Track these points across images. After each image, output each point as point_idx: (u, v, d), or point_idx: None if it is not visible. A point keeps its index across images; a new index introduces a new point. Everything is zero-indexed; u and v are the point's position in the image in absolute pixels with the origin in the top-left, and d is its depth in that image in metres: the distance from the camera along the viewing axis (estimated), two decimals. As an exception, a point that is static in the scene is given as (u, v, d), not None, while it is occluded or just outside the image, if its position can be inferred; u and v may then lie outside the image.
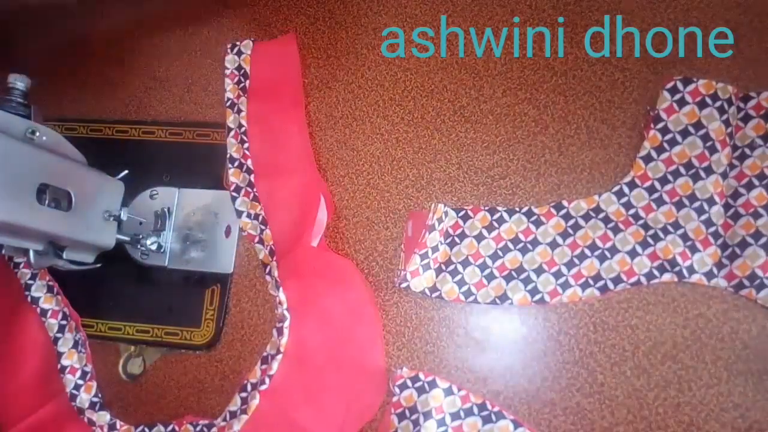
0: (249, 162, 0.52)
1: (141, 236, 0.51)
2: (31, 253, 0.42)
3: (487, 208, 0.48)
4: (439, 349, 0.47)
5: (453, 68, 0.52)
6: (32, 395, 0.49)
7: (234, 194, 0.52)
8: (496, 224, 0.48)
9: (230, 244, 0.52)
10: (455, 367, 0.47)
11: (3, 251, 0.41)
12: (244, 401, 0.47)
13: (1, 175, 0.38)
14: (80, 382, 0.50)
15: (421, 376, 0.45)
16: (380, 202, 0.51)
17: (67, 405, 0.49)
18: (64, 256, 0.44)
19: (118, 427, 0.49)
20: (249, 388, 0.47)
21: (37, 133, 0.43)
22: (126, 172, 0.52)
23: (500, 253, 0.47)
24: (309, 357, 0.47)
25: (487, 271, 0.47)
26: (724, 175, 0.44)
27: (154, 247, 0.51)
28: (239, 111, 0.53)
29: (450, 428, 0.44)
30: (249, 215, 0.52)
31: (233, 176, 0.52)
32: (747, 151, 0.45)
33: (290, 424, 0.45)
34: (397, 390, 0.45)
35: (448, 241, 0.48)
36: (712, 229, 0.44)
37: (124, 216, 0.49)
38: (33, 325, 0.51)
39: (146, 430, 0.48)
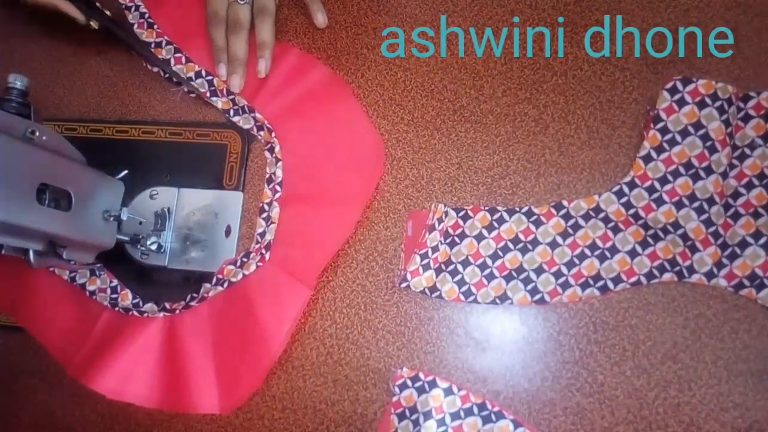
0: (165, 38, 0.54)
1: (141, 236, 0.51)
2: (31, 253, 0.42)
3: (487, 208, 0.48)
4: (439, 349, 0.47)
5: (453, 68, 0.52)
6: (78, 330, 0.51)
7: (165, 67, 0.54)
8: (496, 224, 0.48)
9: (230, 244, 0.52)
10: (455, 367, 0.47)
11: (3, 251, 0.41)
12: (267, 219, 0.50)
13: (1, 175, 0.38)
14: (114, 295, 0.51)
15: (421, 376, 0.45)
16: (380, 202, 0.51)
17: (113, 315, 0.51)
18: (64, 256, 0.44)
19: (168, 307, 0.50)
20: (266, 207, 0.51)
21: (37, 133, 0.43)
22: (126, 172, 0.52)
23: (500, 252, 0.47)
24: (306, 154, 0.51)
25: (487, 271, 0.47)
26: (724, 175, 0.44)
27: (154, 247, 0.51)
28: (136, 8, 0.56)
29: (450, 428, 0.44)
30: (191, 78, 0.54)
31: (158, 54, 0.54)
32: (747, 151, 0.45)
33: (312, 212, 0.49)
34: (397, 390, 0.45)
35: (448, 241, 0.48)
36: (712, 229, 0.44)
37: (124, 216, 0.49)
38: (46, 279, 0.52)
39: (194, 295, 0.50)
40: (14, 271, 0.53)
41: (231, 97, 0.53)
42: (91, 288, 0.52)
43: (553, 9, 0.51)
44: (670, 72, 0.48)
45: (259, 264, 0.49)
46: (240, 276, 0.49)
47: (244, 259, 0.49)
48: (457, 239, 0.48)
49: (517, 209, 0.48)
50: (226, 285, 0.49)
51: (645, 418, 0.44)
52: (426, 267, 0.47)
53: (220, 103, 0.54)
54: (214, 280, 0.49)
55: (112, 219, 0.48)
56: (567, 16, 0.51)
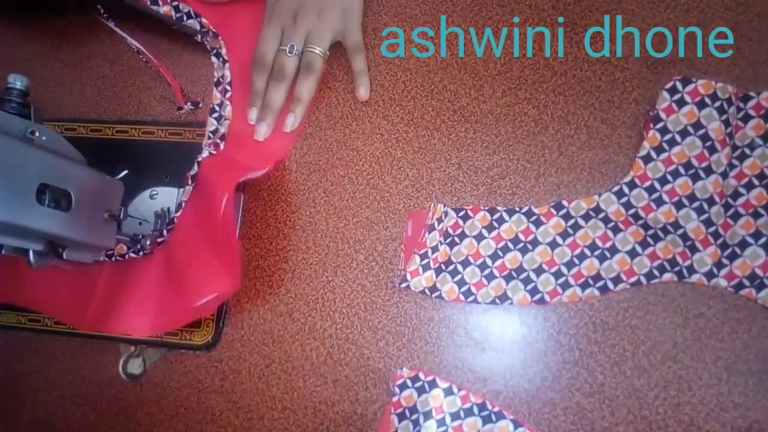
0: None
1: (141, 236, 0.51)
2: (31, 253, 0.42)
3: (487, 208, 0.48)
4: (439, 349, 0.47)
5: (453, 68, 0.52)
6: (80, 291, 0.51)
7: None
8: (495, 224, 0.48)
9: (230, 244, 0.52)
10: (455, 367, 0.47)
11: (3, 251, 0.41)
12: (219, 117, 0.53)
13: (1, 175, 0.38)
14: (109, 252, 0.51)
15: (421, 376, 0.46)
16: (380, 202, 0.51)
17: (113, 266, 0.52)
18: (64, 256, 0.44)
19: (165, 234, 0.51)
20: (216, 108, 0.53)
21: (37, 133, 0.43)
22: (126, 172, 0.52)
23: (500, 253, 0.47)
24: (250, 58, 0.53)
25: (487, 271, 0.47)
26: (724, 175, 0.44)
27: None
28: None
29: (450, 428, 0.44)
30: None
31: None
32: (747, 151, 0.45)
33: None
34: (397, 390, 0.46)
35: (448, 241, 0.48)
36: (711, 229, 0.44)
37: (124, 216, 0.49)
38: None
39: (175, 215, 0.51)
40: (4, 258, 0.53)
41: (174, 3, 0.53)
42: None
43: (553, 9, 0.51)
44: (670, 72, 0.48)
45: (213, 152, 0.51)
46: (195, 167, 0.51)
47: (197, 155, 0.52)
48: (456, 239, 0.48)
49: (517, 209, 0.48)
50: (191, 182, 0.51)
51: (645, 418, 0.44)
52: (426, 267, 0.47)
53: (162, 10, 0.53)
54: (183, 188, 0.52)
55: (112, 219, 0.48)
56: (567, 16, 0.51)
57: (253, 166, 0.49)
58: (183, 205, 0.51)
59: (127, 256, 0.51)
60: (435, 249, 0.48)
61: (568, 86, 0.50)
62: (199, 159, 0.51)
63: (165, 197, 0.54)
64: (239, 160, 0.51)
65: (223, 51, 0.53)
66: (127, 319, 0.49)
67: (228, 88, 0.53)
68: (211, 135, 0.52)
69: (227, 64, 0.53)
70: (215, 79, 0.54)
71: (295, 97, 0.52)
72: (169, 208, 0.53)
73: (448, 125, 0.51)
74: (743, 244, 0.44)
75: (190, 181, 0.51)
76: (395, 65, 0.53)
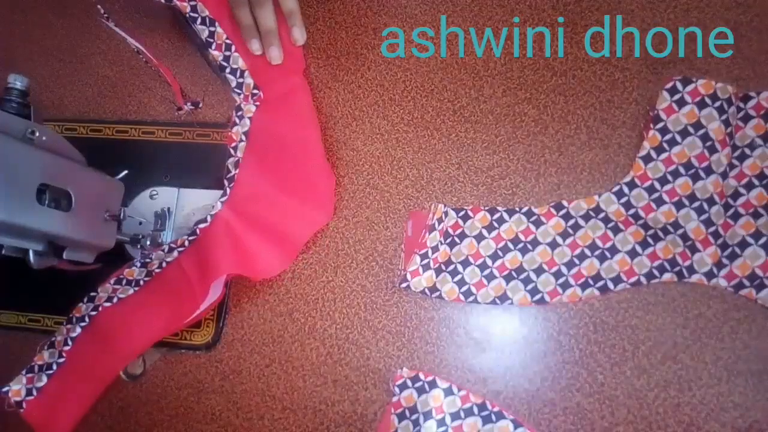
0: None
1: (141, 236, 0.51)
2: (31, 253, 0.42)
3: (487, 208, 0.48)
4: (439, 349, 0.47)
5: (453, 68, 0.52)
6: (180, 298, 0.50)
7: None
8: (496, 224, 0.48)
9: (230, 243, 0.52)
10: (455, 367, 0.47)
11: (3, 251, 0.41)
12: (235, 73, 0.52)
13: (1, 175, 0.38)
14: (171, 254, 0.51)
15: (421, 376, 0.46)
16: (380, 202, 0.51)
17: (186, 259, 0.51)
18: (64, 256, 0.44)
19: (228, 191, 0.51)
20: (224, 64, 0.52)
21: (37, 133, 0.43)
22: (126, 172, 0.52)
23: (500, 253, 0.47)
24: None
25: (487, 271, 0.47)
26: (724, 175, 0.44)
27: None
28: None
29: (450, 428, 0.44)
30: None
31: None
32: (747, 151, 0.45)
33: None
34: (397, 390, 0.46)
35: (448, 241, 0.48)
36: (711, 229, 0.44)
37: (124, 216, 0.49)
38: (117, 316, 0.51)
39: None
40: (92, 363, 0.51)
41: (192, 3, 0.51)
42: (152, 267, 0.51)
43: (553, 9, 0.51)
44: (670, 72, 0.48)
45: (257, 103, 0.52)
46: (247, 123, 0.51)
47: (240, 112, 0.52)
48: (457, 239, 0.48)
49: (517, 209, 0.48)
50: (244, 138, 0.51)
51: (645, 418, 0.44)
52: (426, 267, 0.47)
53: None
54: (236, 145, 0.51)
55: (112, 219, 0.48)
56: (567, 16, 0.51)
57: (294, 90, 0.51)
58: (240, 161, 0.51)
59: (198, 230, 0.50)
60: (435, 249, 0.48)
61: (568, 86, 0.50)
62: (249, 115, 0.51)
63: (165, 197, 0.54)
64: (284, 92, 0.51)
65: (206, 12, 0.51)
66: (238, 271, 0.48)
67: (228, 41, 0.52)
68: (238, 90, 0.52)
69: (216, 23, 0.51)
70: (204, 40, 0.51)
71: (287, 12, 0.52)
72: (169, 208, 0.53)
73: (448, 125, 0.51)
74: (743, 244, 0.44)
75: (243, 138, 0.51)
76: (395, 65, 0.53)
